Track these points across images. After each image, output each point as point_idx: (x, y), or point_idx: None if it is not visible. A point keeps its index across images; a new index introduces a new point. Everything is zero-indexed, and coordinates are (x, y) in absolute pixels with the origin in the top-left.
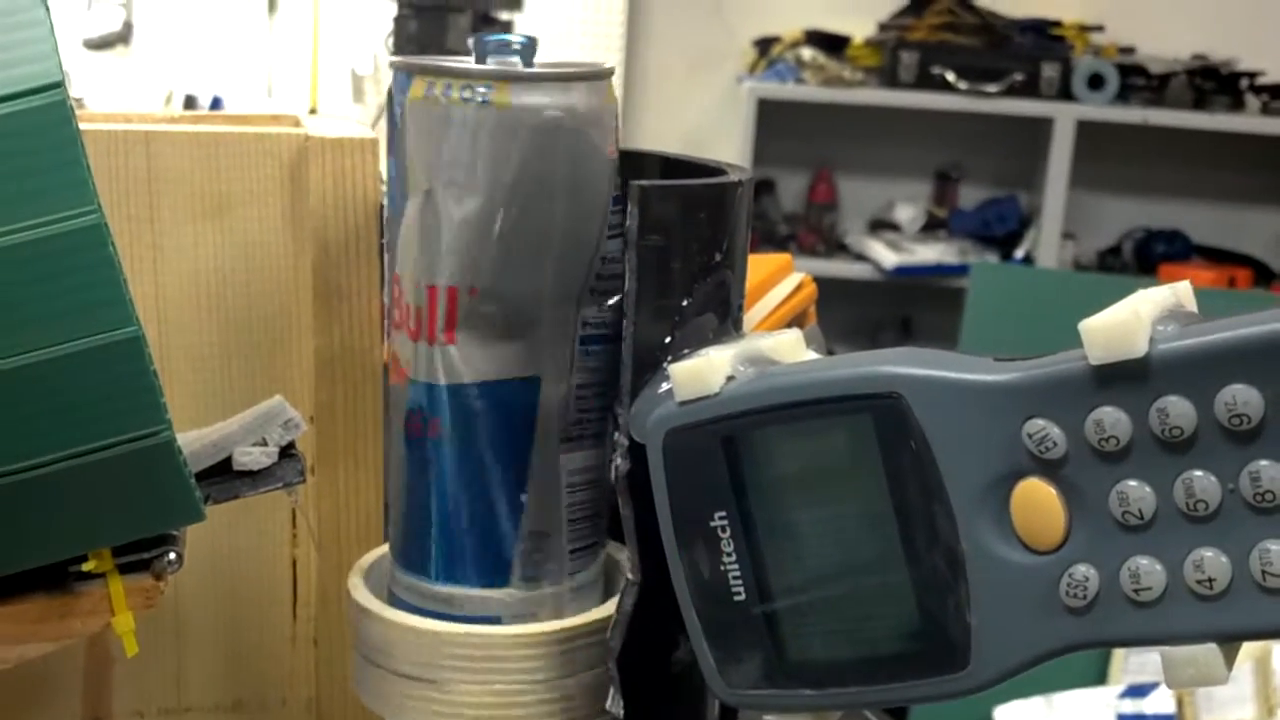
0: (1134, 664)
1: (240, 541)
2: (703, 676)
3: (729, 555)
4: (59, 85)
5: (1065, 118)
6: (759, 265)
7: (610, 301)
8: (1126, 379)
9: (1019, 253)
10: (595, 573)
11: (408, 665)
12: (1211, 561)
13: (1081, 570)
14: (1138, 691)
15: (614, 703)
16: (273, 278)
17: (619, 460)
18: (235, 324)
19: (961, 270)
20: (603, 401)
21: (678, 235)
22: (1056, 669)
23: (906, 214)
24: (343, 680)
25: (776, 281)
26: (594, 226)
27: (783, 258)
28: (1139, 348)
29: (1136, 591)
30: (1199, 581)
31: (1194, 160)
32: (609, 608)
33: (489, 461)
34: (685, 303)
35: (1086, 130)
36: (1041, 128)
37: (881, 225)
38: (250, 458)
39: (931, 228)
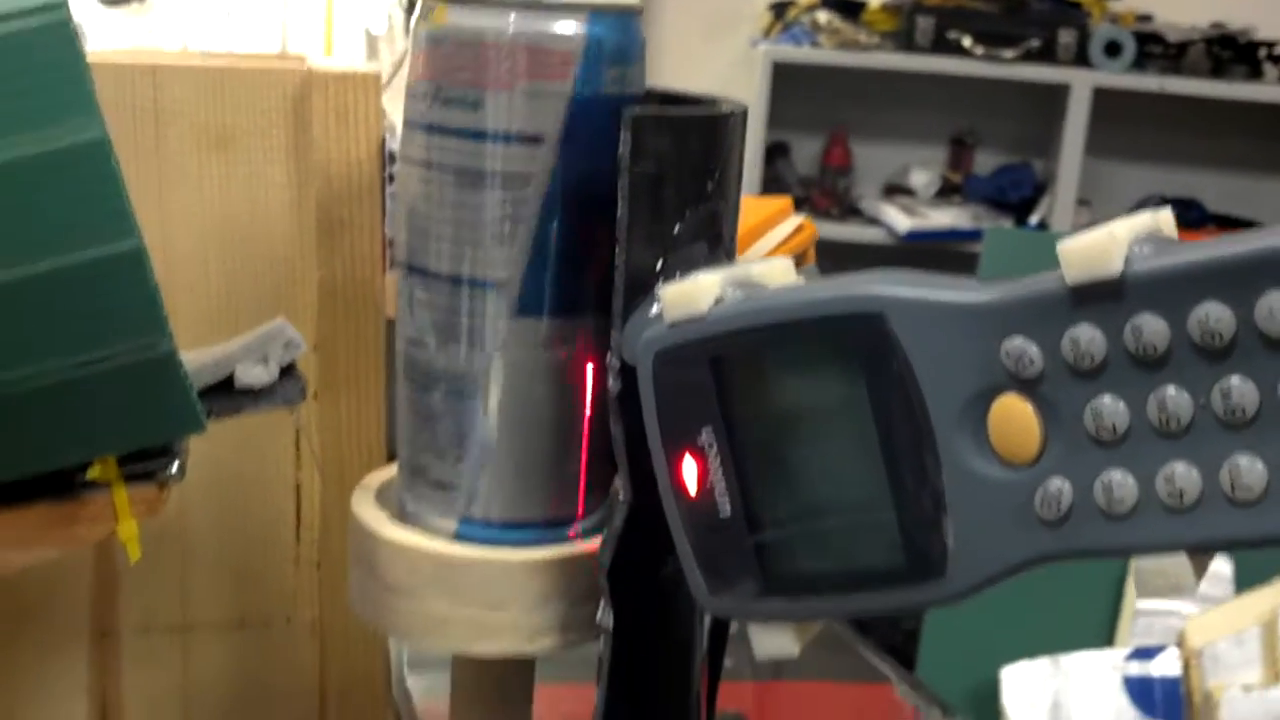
0: (1141, 626)
1: (245, 466)
2: (690, 590)
3: (715, 472)
4: (62, 4)
5: (1082, 84)
6: (759, 207)
7: None
8: (1102, 298)
9: (1033, 219)
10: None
11: (404, 581)
12: (1183, 475)
13: (1056, 484)
14: (1145, 654)
15: (604, 615)
16: (276, 211)
17: (612, 381)
18: (239, 256)
19: (975, 235)
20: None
21: (670, 163)
22: (1063, 631)
23: (921, 179)
24: (344, 601)
25: (776, 223)
26: None
27: (783, 200)
28: (1114, 267)
29: (1109, 504)
30: (1170, 494)
31: (1210, 129)
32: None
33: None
34: (676, 230)
35: (1103, 97)
36: (1058, 94)
37: (896, 190)
38: (252, 375)
39: (946, 193)
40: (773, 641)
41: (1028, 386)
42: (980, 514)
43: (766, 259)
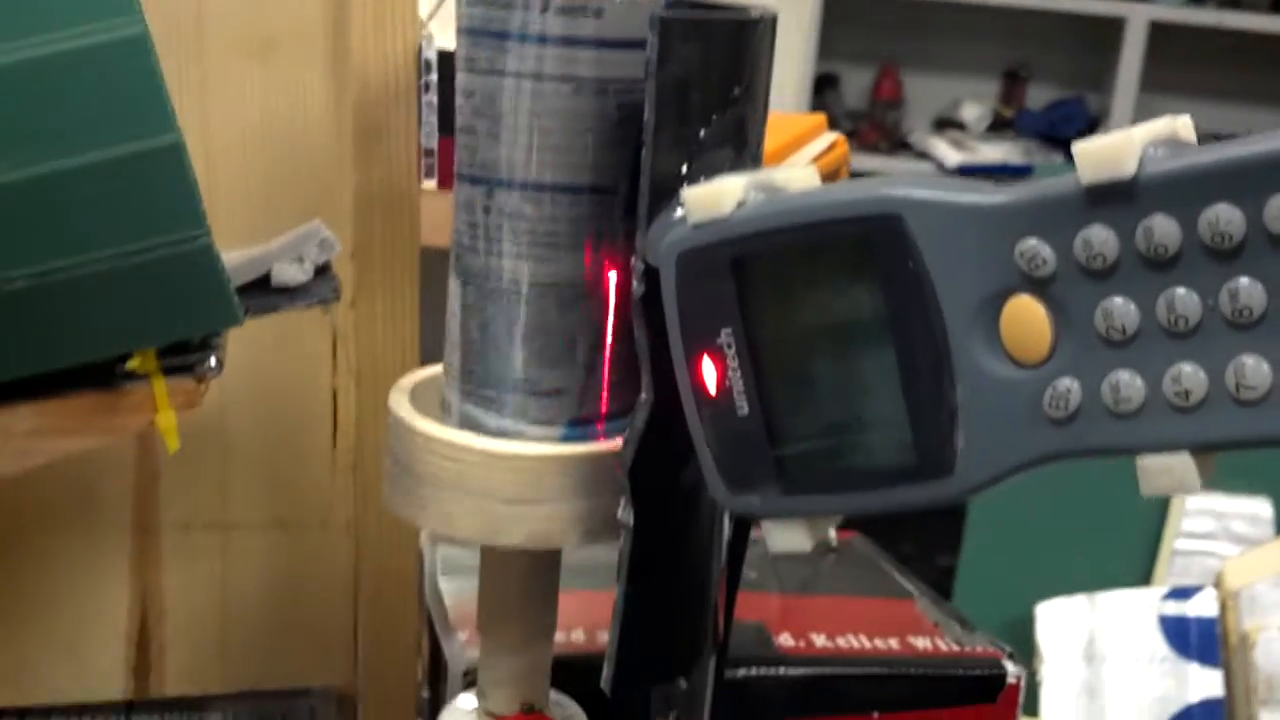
0: (1179, 566)
1: (284, 371)
2: (709, 492)
3: (734, 371)
4: None
5: (1138, 18)
6: (792, 123)
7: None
8: (1115, 199)
9: None
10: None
11: (434, 475)
12: (1190, 375)
13: (1065, 383)
14: (1181, 594)
15: (625, 512)
16: (315, 117)
17: (636, 284)
18: (279, 162)
19: (1026, 171)
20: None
21: (697, 67)
22: (1100, 570)
23: (973, 113)
24: (378, 504)
25: (809, 140)
26: None
27: (817, 118)
28: (1128, 168)
29: (1116, 403)
30: (1176, 394)
31: (1268, 65)
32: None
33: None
34: (703, 135)
35: (1159, 31)
36: (1113, 27)
37: (947, 124)
38: (287, 274)
39: (998, 127)
40: (787, 537)
41: (1040, 287)
42: (990, 413)
43: (790, 167)
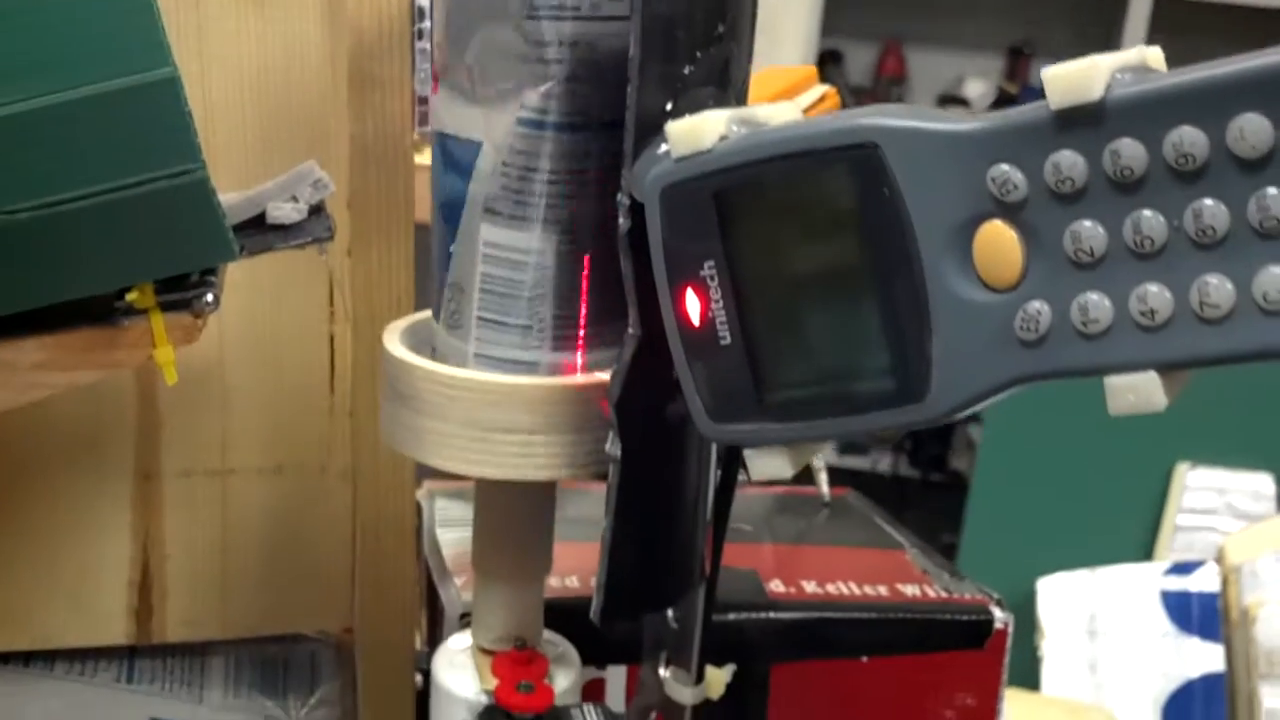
0: (1180, 542)
1: (282, 320)
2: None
3: (717, 302)
4: None
5: None
6: (783, 75)
7: (544, 88)
8: (1083, 123)
9: None
10: (508, 352)
11: (425, 407)
12: (1155, 295)
13: (1035, 306)
14: (1183, 569)
15: (613, 445)
16: (310, 66)
17: (622, 219)
18: (275, 112)
19: None
20: (525, 185)
21: (682, 4)
22: (1101, 545)
23: (977, 89)
24: (376, 450)
25: (800, 91)
26: None
27: (808, 69)
28: (1095, 92)
29: (1084, 325)
30: (1142, 314)
31: (1273, 39)
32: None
33: (439, 212)
34: (687, 71)
35: (1163, 7)
36: (1117, 4)
37: (951, 100)
38: (282, 212)
39: (1002, 104)
40: (768, 465)
41: (1011, 212)
42: (963, 337)
43: (773, 104)
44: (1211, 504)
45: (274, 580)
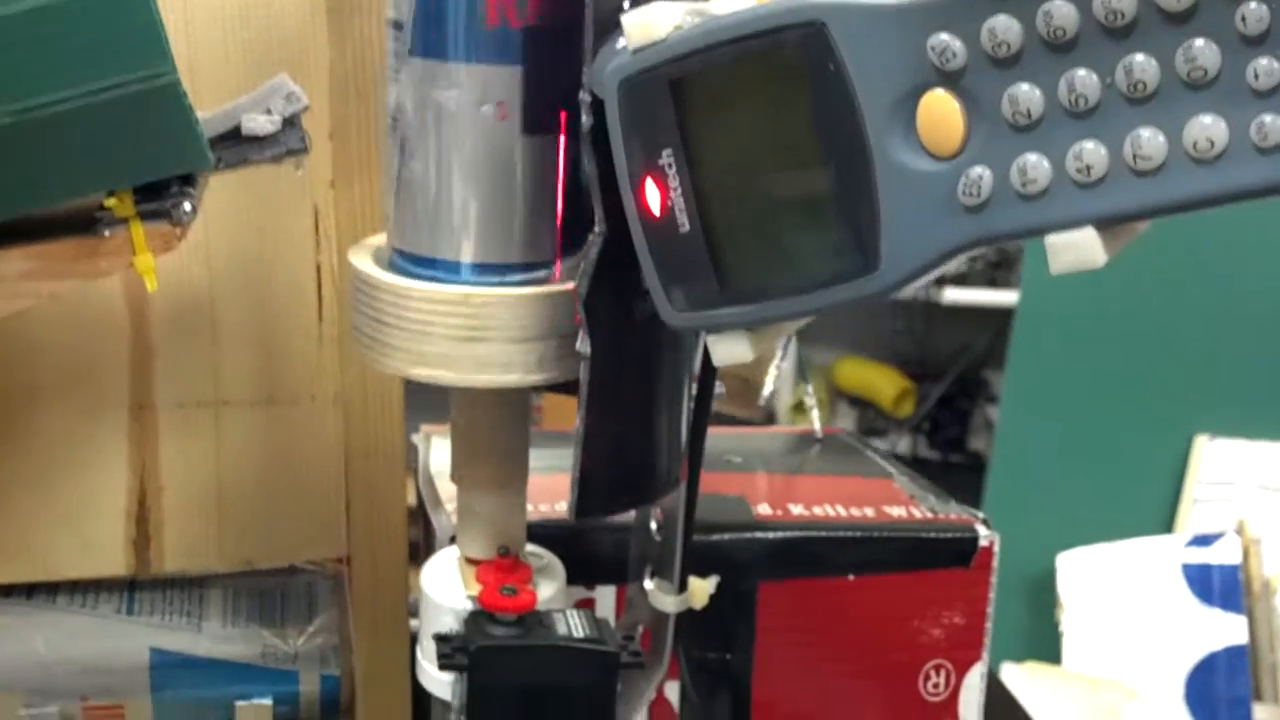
0: (1200, 514)
1: (269, 251)
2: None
3: (675, 191)
4: None
5: None
6: None
7: None
8: None
9: None
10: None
11: (392, 319)
12: (1091, 151)
13: (977, 171)
14: (1203, 541)
15: (583, 343)
16: None
17: (584, 117)
18: (255, 42)
19: None
20: None
21: None
22: (1121, 518)
23: None
24: (364, 377)
25: None
26: None
27: None
28: None
29: (1024, 185)
30: (1079, 171)
31: None
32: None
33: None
34: None
35: None
36: None
37: None
38: (256, 124)
39: None
40: (730, 349)
41: (951, 80)
42: (910, 207)
43: None
44: (1231, 476)
45: (269, 509)
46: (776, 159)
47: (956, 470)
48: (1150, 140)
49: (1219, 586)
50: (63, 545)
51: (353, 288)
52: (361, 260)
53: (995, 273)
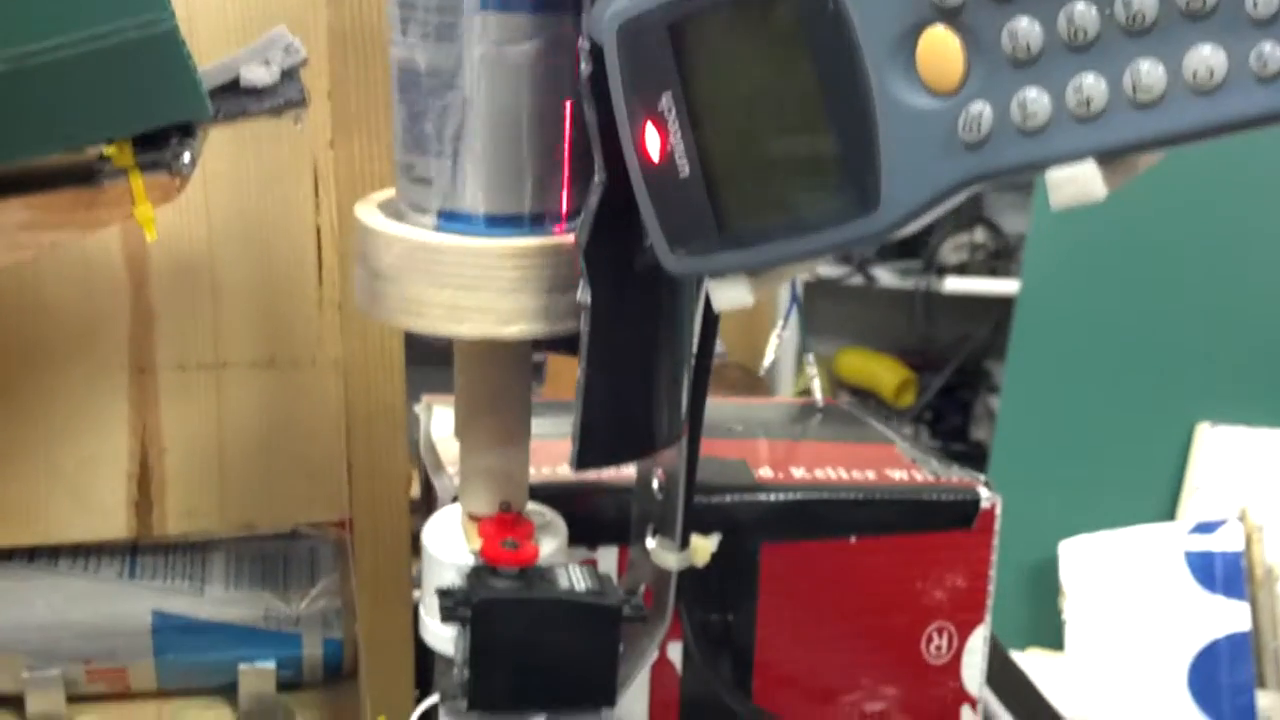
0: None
1: (269, 214)
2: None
3: (675, 135)
4: None
5: None
6: None
7: None
8: None
9: None
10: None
11: (391, 269)
12: (1091, 85)
13: (977, 107)
14: (1206, 528)
15: (583, 292)
16: None
17: (584, 65)
18: (254, 2)
19: None
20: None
21: None
22: (1123, 506)
23: None
24: (365, 340)
25: None
26: None
27: None
28: None
29: (1024, 120)
30: (1079, 104)
31: None
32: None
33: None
34: None
35: None
36: None
37: None
38: (255, 75)
39: None
40: (730, 294)
41: (951, 16)
42: (910, 145)
43: None
44: (1233, 463)
45: (270, 472)
46: (776, 100)
47: (958, 460)
48: (1150, 72)
49: (1221, 573)
50: (64, 508)
51: (360, 241)
52: (362, 209)
53: (996, 262)
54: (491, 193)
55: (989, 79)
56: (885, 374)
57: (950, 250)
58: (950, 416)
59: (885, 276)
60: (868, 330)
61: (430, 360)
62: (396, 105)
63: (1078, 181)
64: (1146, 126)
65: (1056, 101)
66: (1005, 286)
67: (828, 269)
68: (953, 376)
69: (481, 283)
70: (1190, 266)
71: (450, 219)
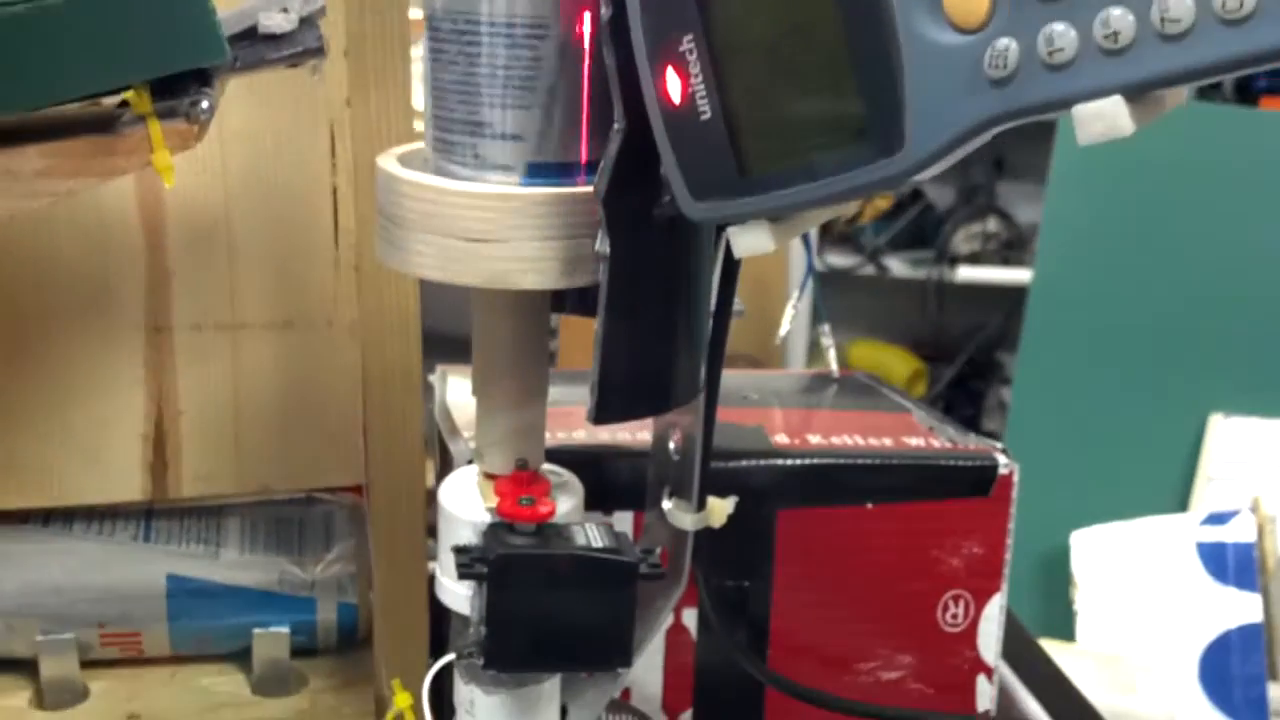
0: (1214, 492)
1: (285, 174)
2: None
3: (696, 77)
4: None
5: None
6: None
7: None
8: None
9: None
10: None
11: (413, 218)
12: (1118, 18)
13: (1003, 43)
14: (1218, 519)
15: (602, 242)
16: None
17: (603, 8)
18: None
19: None
20: None
21: None
22: (1135, 497)
23: None
24: (381, 302)
25: None
26: None
27: None
28: None
29: (1051, 55)
30: (1106, 38)
31: None
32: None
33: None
34: None
35: None
36: None
37: None
38: (273, 22)
39: None
40: (751, 240)
41: None
42: (936, 82)
43: None
44: (1245, 454)
45: (286, 435)
46: (799, 39)
47: None
48: (1179, 3)
49: (1233, 565)
50: (79, 470)
51: (381, 190)
52: (384, 160)
53: (1008, 252)
54: (517, 145)
55: (1015, 14)
56: (897, 365)
57: (963, 240)
58: (962, 407)
59: (897, 266)
60: (879, 321)
61: (446, 333)
62: (426, 58)
63: (1105, 117)
64: (1176, 59)
65: (1083, 35)
66: (1018, 276)
67: (839, 259)
68: (964, 368)
69: (503, 232)
70: (1203, 257)
71: (477, 167)
